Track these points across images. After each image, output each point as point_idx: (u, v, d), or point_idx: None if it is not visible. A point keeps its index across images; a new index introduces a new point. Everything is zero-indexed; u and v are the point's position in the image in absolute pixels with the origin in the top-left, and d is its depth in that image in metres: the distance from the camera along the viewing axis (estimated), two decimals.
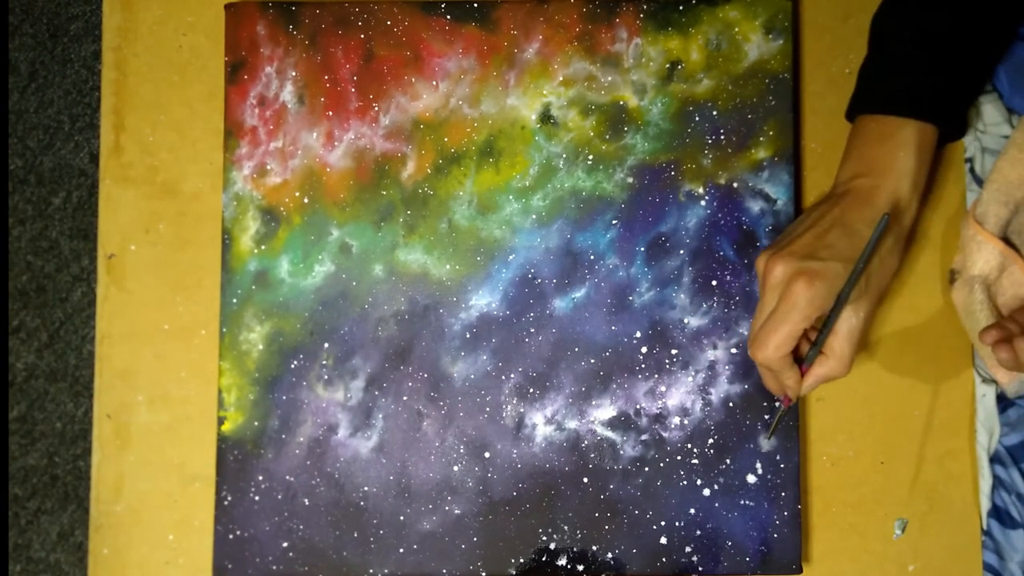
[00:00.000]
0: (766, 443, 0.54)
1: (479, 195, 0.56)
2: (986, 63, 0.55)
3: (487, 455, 0.55)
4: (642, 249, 0.56)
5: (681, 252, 0.55)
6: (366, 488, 0.55)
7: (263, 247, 0.56)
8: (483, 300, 0.55)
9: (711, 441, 0.55)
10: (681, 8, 0.57)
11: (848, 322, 0.49)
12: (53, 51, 1.23)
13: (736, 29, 0.56)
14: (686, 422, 0.55)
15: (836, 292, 0.47)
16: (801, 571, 0.54)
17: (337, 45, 0.57)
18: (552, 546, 0.54)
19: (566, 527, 0.54)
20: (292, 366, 0.55)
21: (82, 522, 1.17)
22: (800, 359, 0.51)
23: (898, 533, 0.56)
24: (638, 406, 0.55)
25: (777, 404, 0.54)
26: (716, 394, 0.55)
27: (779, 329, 0.48)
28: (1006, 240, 0.54)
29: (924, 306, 0.58)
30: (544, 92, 0.56)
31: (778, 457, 0.54)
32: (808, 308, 0.47)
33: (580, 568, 0.54)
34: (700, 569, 0.54)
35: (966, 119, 0.56)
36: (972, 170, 0.58)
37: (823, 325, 0.49)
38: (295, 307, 0.55)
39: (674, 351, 0.55)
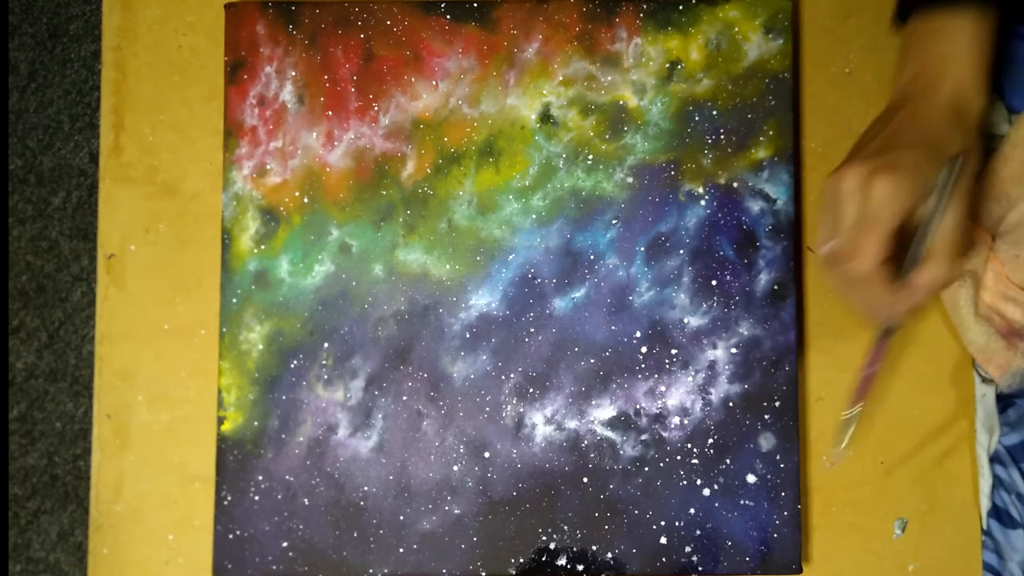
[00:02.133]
0: (834, 458, 0.53)
1: (479, 195, 0.56)
2: None
3: (487, 455, 0.55)
4: (642, 249, 0.56)
5: (681, 252, 0.55)
6: (366, 488, 0.55)
7: (263, 247, 0.56)
8: (483, 300, 0.55)
9: (711, 441, 0.55)
10: (681, 8, 0.57)
11: (947, 216, 0.45)
12: (53, 51, 1.23)
13: (736, 29, 0.56)
14: (686, 422, 0.55)
15: (920, 182, 0.44)
16: (801, 571, 0.54)
17: (337, 45, 0.57)
18: (552, 546, 0.54)
19: (566, 527, 0.54)
20: (292, 366, 0.55)
21: (82, 522, 1.17)
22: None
23: (898, 533, 0.56)
24: (638, 406, 0.55)
25: (844, 415, 0.51)
26: (716, 394, 0.55)
27: (871, 232, 0.43)
28: (994, 237, 0.54)
29: (924, 306, 0.58)
30: (544, 92, 0.56)
31: (778, 457, 0.54)
32: (894, 202, 0.43)
33: (580, 568, 0.54)
34: (700, 569, 0.54)
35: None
36: None
37: (919, 231, 0.45)
38: (295, 307, 0.55)
39: (674, 351, 0.55)
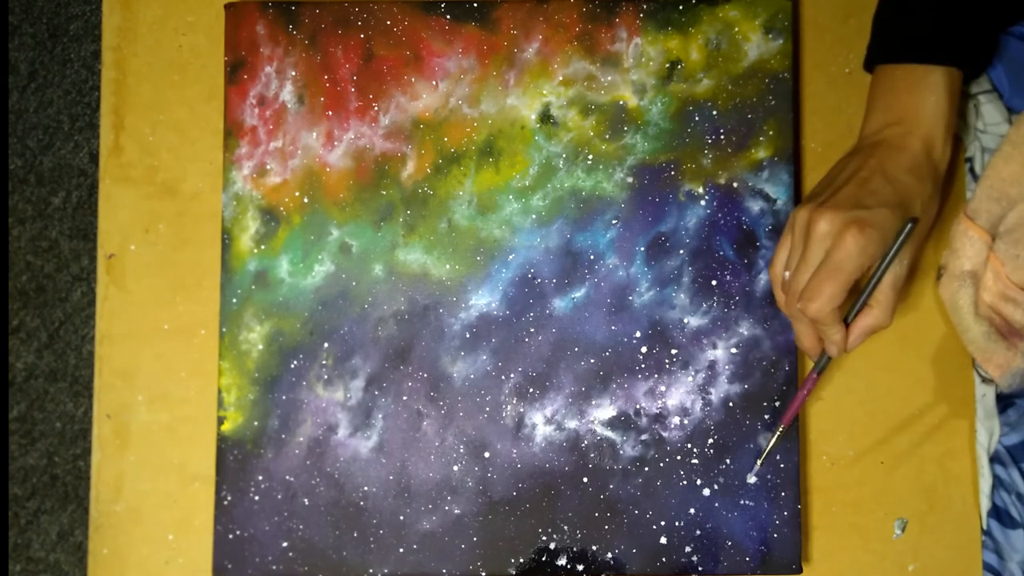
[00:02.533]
0: (752, 477, 0.54)
1: (479, 195, 0.56)
2: None
3: (487, 455, 0.55)
4: (642, 249, 0.56)
5: (681, 252, 0.55)
6: (366, 488, 0.55)
7: (263, 247, 0.56)
8: (483, 300, 0.55)
9: (711, 441, 0.55)
10: (681, 8, 0.57)
11: (892, 272, 0.49)
12: (53, 51, 1.23)
13: (736, 29, 0.56)
14: (686, 422, 0.55)
15: (887, 240, 0.47)
16: (801, 571, 0.54)
17: (337, 45, 0.57)
18: (552, 546, 0.54)
19: (566, 527, 0.54)
20: (292, 366, 0.55)
21: (82, 522, 1.17)
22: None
23: (898, 533, 0.56)
24: (638, 406, 0.55)
25: (780, 430, 0.54)
26: (716, 394, 0.55)
27: (833, 280, 0.47)
28: (994, 237, 0.54)
29: (924, 305, 0.58)
30: (544, 92, 0.56)
31: (778, 457, 0.54)
32: (861, 258, 0.46)
33: (580, 568, 0.54)
34: (700, 569, 0.54)
35: (992, 53, 0.55)
36: (972, 170, 0.58)
37: (869, 279, 0.49)
38: (295, 307, 0.55)
39: (674, 351, 0.55)
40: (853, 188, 0.48)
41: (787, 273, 0.51)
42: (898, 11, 0.52)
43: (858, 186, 0.48)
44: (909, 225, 0.48)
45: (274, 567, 0.54)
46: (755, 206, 0.56)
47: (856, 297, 0.50)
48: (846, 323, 0.50)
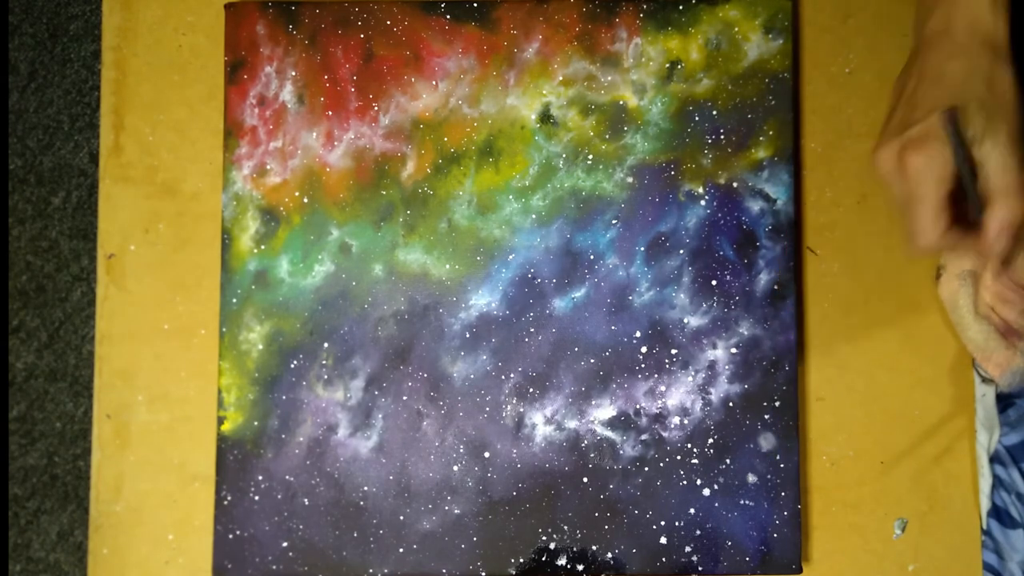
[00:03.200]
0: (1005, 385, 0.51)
1: (479, 195, 0.56)
2: None
3: (487, 455, 0.55)
4: (642, 249, 0.56)
5: (681, 252, 0.55)
6: (366, 488, 0.55)
7: (263, 247, 0.56)
8: (483, 300, 0.55)
9: (711, 441, 0.55)
10: (681, 8, 0.57)
11: (993, 155, 0.44)
12: (53, 51, 1.23)
13: (736, 29, 0.56)
14: (686, 422, 0.55)
15: (948, 142, 0.43)
16: (801, 571, 0.54)
17: (337, 45, 0.57)
18: (552, 546, 0.54)
19: (566, 527, 0.54)
20: (292, 366, 0.55)
21: (82, 522, 1.17)
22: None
23: (898, 533, 0.56)
24: (638, 406, 0.55)
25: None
26: (716, 394, 0.55)
27: (920, 212, 0.44)
28: None
29: (924, 305, 0.58)
30: (544, 92, 0.56)
31: (778, 457, 0.54)
32: (931, 176, 0.43)
33: (580, 568, 0.54)
34: (700, 569, 0.54)
35: None
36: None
37: (962, 180, 0.44)
38: (295, 307, 0.55)
39: (674, 351, 0.55)
40: (902, 109, 0.46)
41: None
42: None
43: (906, 104, 0.46)
44: (949, 118, 0.43)
45: (274, 567, 0.54)
46: (755, 206, 0.56)
47: (970, 204, 0.45)
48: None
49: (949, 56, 0.45)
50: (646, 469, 0.54)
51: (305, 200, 0.56)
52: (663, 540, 0.54)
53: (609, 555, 0.54)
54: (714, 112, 0.56)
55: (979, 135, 0.44)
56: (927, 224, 0.44)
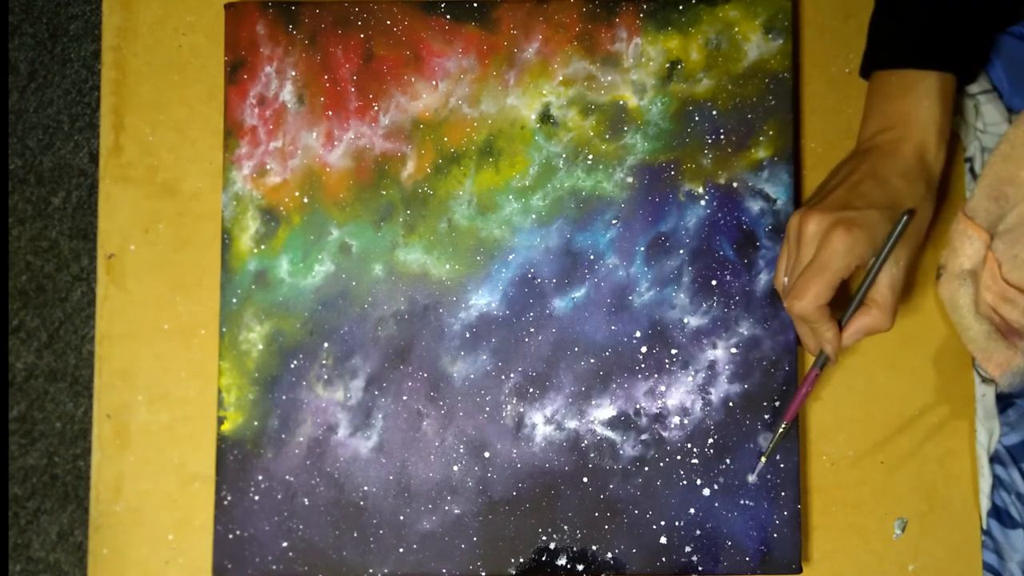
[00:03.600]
0: (753, 476, 0.54)
1: (479, 195, 0.56)
2: (998, 2, 0.54)
3: (487, 455, 0.55)
4: (642, 249, 0.56)
5: (681, 252, 0.55)
6: (366, 488, 0.55)
7: (263, 247, 0.56)
8: (483, 300, 0.55)
9: (711, 441, 0.55)
10: (681, 8, 0.57)
11: (888, 273, 0.48)
12: (53, 51, 1.23)
13: (736, 29, 0.56)
14: (686, 422, 0.55)
15: (875, 240, 0.47)
16: (801, 571, 0.54)
17: (337, 45, 0.57)
18: (552, 546, 0.54)
19: (566, 527, 0.54)
20: (292, 366, 0.55)
21: (82, 522, 1.17)
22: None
23: (898, 533, 0.56)
24: (638, 406, 0.55)
25: (783, 428, 0.53)
26: (716, 394, 0.55)
27: (818, 278, 0.47)
28: (992, 236, 0.54)
29: (924, 305, 0.58)
30: (544, 92, 0.56)
31: (778, 457, 0.54)
32: (848, 257, 0.47)
33: (580, 568, 0.54)
34: (700, 569, 0.54)
35: (985, 58, 0.55)
36: (972, 170, 0.58)
37: (864, 278, 0.49)
38: (295, 307, 0.55)
39: (674, 351, 0.55)
40: (843, 191, 0.49)
41: (786, 279, 0.51)
42: (891, 17, 0.52)
43: (848, 189, 0.49)
44: (904, 219, 0.48)
45: (274, 567, 0.54)
46: (755, 206, 0.56)
47: (851, 297, 0.50)
48: (842, 324, 0.50)
49: (896, 172, 0.49)
50: (646, 469, 0.54)
51: (305, 200, 0.56)
52: (663, 540, 0.54)
53: (609, 555, 0.54)
54: (714, 112, 0.56)
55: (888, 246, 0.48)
56: (816, 292, 0.47)
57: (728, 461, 0.54)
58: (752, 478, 0.54)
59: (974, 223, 0.54)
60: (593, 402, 0.55)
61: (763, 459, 0.54)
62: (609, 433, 0.55)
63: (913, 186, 0.49)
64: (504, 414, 0.55)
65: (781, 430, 0.53)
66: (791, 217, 0.50)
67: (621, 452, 0.55)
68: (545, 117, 0.56)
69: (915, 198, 0.49)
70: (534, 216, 0.56)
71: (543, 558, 0.54)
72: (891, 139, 0.51)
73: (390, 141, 0.56)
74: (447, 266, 0.56)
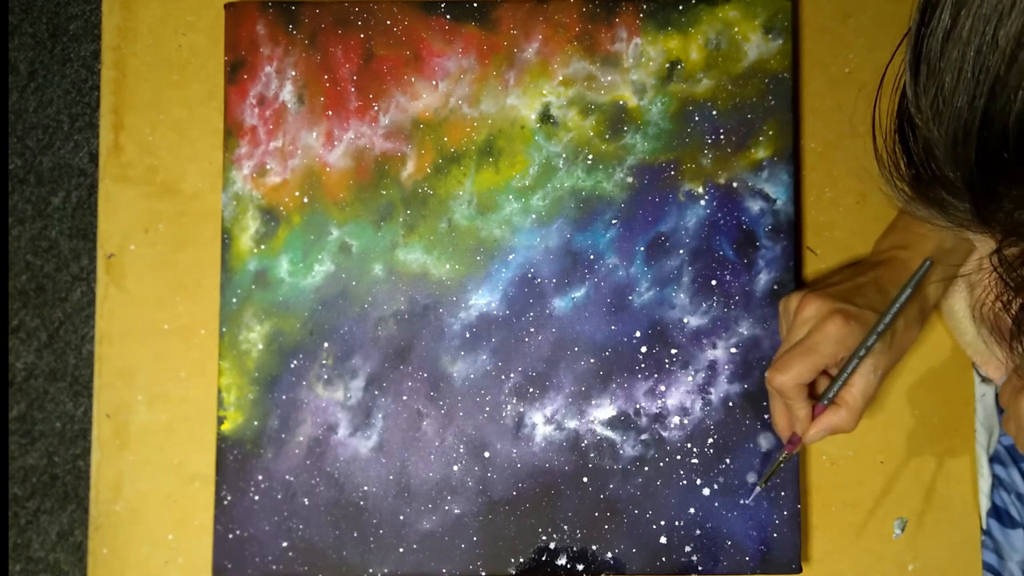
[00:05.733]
0: (755, 493, 0.54)
1: (479, 195, 0.56)
2: None
3: (487, 455, 0.55)
4: (642, 249, 0.56)
5: (681, 252, 0.55)
6: (366, 488, 0.55)
7: (263, 247, 0.56)
8: (483, 300, 0.55)
9: (711, 441, 0.55)
10: (681, 8, 0.57)
11: (865, 377, 0.49)
12: (52, 51, 1.23)
13: (736, 29, 0.56)
14: (686, 422, 0.55)
15: (863, 333, 0.48)
16: (801, 571, 0.54)
17: (337, 45, 0.57)
18: (552, 546, 0.54)
19: (566, 527, 0.54)
20: (292, 366, 0.55)
21: (82, 522, 1.17)
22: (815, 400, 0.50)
23: (898, 533, 0.56)
24: (638, 406, 0.55)
25: (779, 455, 0.53)
26: (716, 394, 0.55)
27: (805, 358, 0.48)
28: None
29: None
30: (544, 92, 0.56)
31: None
32: (837, 345, 0.48)
33: (580, 568, 0.54)
34: (700, 569, 0.54)
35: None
36: None
37: (841, 371, 0.49)
38: (295, 307, 0.55)
39: (674, 351, 0.55)
40: (847, 288, 0.50)
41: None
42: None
43: (852, 288, 0.50)
44: (927, 264, 0.48)
45: (274, 567, 0.54)
46: (755, 206, 0.56)
47: (824, 391, 0.50)
48: (817, 411, 0.50)
49: (897, 287, 0.50)
50: (646, 469, 0.54)
51: (305, 200, 0.56)
52: (663, 540, 0.54)
53: (609, 555, 0.54)
54: (714, 112, 0.56)
55: (872, 351, 0.49)
56: (799, 370, 0.48)
57: (728, 461, 0.54)
58: (747, 502, 0.54)
59: None
60: (593, 402, 0.55)
61: (759, 487, 0.54)
62: (609, 433, 0.55)
63: (909, 305, 0.50)
64: (504, 414, 0.55)
65: (780, 459, 0.52)
66: (789, 296, 0.51)
67: (621, 452, 0.55)
68: (545, 117, 0.56)
69: (908, 316, 0.50)
70: (534, 216, 0.56)
71: (543, 558, 0.54)
72: (904, 256, 0.52)
73: (390, 141, 0.56)
74: (447, 266, 0.56)
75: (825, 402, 0.50)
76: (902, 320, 0.50)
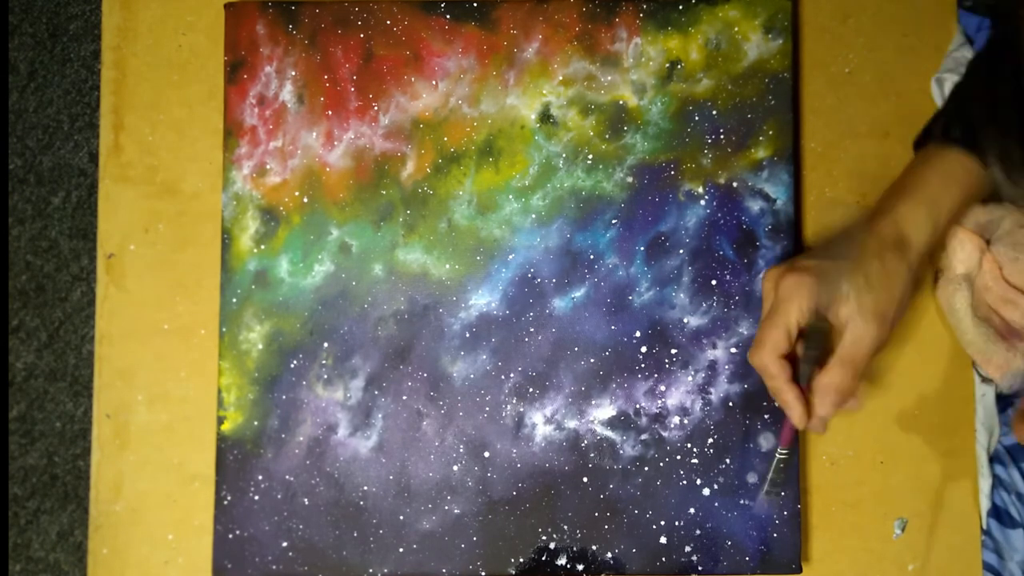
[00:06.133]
0: (764, 501, 0.54)
1: (479, 195, 0.56)
2: None
3: (487, 455, 0.55)
4: (642, 249, 0.56)
5: (681, 252, 0.55)
6: (366, 488, 0.55)
7: (263, 247, 0.56)
8: (483, 300, 0.55)
9: (711, 441, 0.55)
10: (681, 8, 0.57)
11: (853, 324, 0.47)
12: (52, 51, 1.23)
13: (736, 29, 0.56)
14: (686, 422, 0.55)
15: (827, 283, 0.46)
16: (801, 571, 0.54)
17: (337, 45, 0.57)
18: (552, 546, 0.54)
19: (566, 527, 0.54)
20: (292, 366, 0.55)
21: (82, 522, 1.17)
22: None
23: (898, 533, 0.56)
24: (638, 406, 0.55)
25: (778, 454, 0.52)
26: (716, 394, 0.55)
27: (769, 324, 0.47)
28: (989, 241, 0.54)
29: (924, 306, 0.58)
30: (544, 92, 0.56)
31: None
32: (796, 299, 0.46)
33: (580, 568, 0.54)
34: (700, 569, 0.54)
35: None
36: None
37: (809, 327, 0.47)
38: (295, 307, 0.55)
39: (674, 351, 0.55)
40: (816, 250, 0.50)
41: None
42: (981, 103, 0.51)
43: (821, 247, 0.50)
44: (821, 327, 0.47)
45: (274, 567, 0.54)
46: (755, 206, 0.56)
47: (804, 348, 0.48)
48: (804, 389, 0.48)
49: (865, 243, 0.48)
50: (646, 469, 0.54)
51: (305, 200, 0.56)
52: (663, 540, 0.54)
53: (609, 555, 0.54)
54: (714, 112, 0.56)
55: (848, 295, 0.46)
56: (773, 340, 0.47)
57: (728, 461, 0.54)
58: (753, 506, 0.54)
59: (966, 228, 0.54)
60: (593, 402, 0.55)
61: (763, 493, 0.54)
62: (609, 433, 0.55)
63: (884, 260, 0.48)
64: (504, 414, 0.55)
65: (777, 458, 0.52)
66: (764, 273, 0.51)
67: (621, 452, 0.55)
68: (545, 117, 0.56)
69: (883, 259, 0.48)
70: (534, 216, 0.56)
71: (543, 558, 0.54)
72: (882, 206, 0.50)
73: (390, 141, 0.56)
74: (447, 266, 0.56)
75: (803, 383, 0.47)
76: (877, 261, 0.47)
